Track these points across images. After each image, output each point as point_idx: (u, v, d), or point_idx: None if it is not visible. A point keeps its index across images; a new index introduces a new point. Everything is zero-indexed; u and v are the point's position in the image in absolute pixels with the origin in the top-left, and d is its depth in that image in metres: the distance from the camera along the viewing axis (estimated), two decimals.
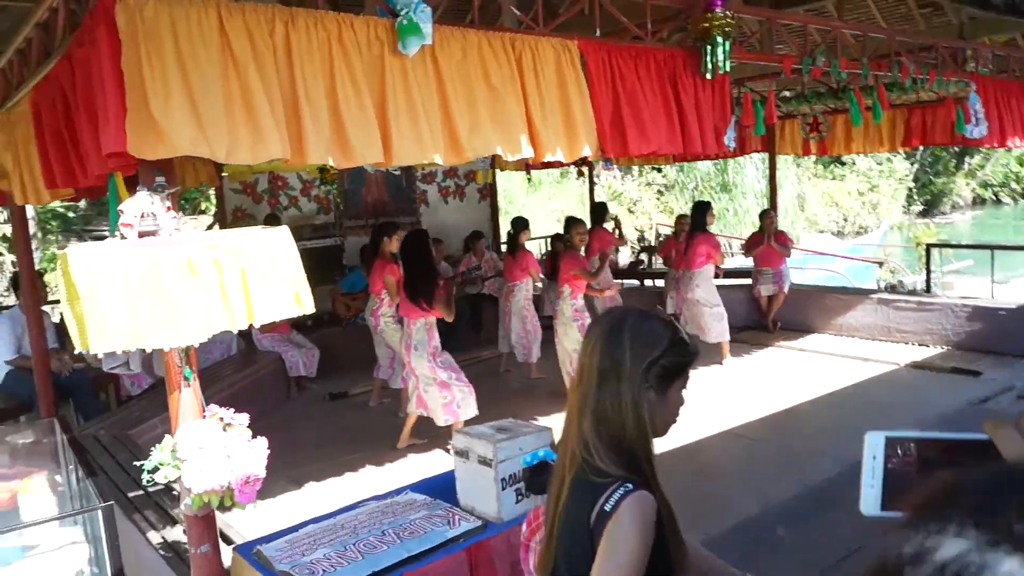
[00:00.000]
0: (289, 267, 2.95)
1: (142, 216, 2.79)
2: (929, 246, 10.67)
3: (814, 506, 5.10)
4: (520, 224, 8.42)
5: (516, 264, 8.23)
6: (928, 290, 10.09)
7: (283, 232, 2.95)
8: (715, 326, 8.40)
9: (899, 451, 0.80)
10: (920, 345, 8.83)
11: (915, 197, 28.60)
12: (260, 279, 2.86)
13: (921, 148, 25.55)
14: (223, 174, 9.04)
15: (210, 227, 13.07)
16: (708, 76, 4.62)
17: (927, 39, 6.69)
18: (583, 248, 7.25)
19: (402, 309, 6.15)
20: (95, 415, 6.46)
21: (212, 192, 9.64)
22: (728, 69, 4.61)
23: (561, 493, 1.66)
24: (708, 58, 4.54)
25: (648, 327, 1.67)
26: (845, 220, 25.18)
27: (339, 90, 3.15)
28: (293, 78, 3.06)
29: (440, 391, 5.99)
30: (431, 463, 5.98)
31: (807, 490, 5.34)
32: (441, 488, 3.60)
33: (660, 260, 11.34)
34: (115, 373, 6.99)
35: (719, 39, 4.48)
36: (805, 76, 5.43)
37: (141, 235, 2.81)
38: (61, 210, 14.97)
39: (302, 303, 2.98)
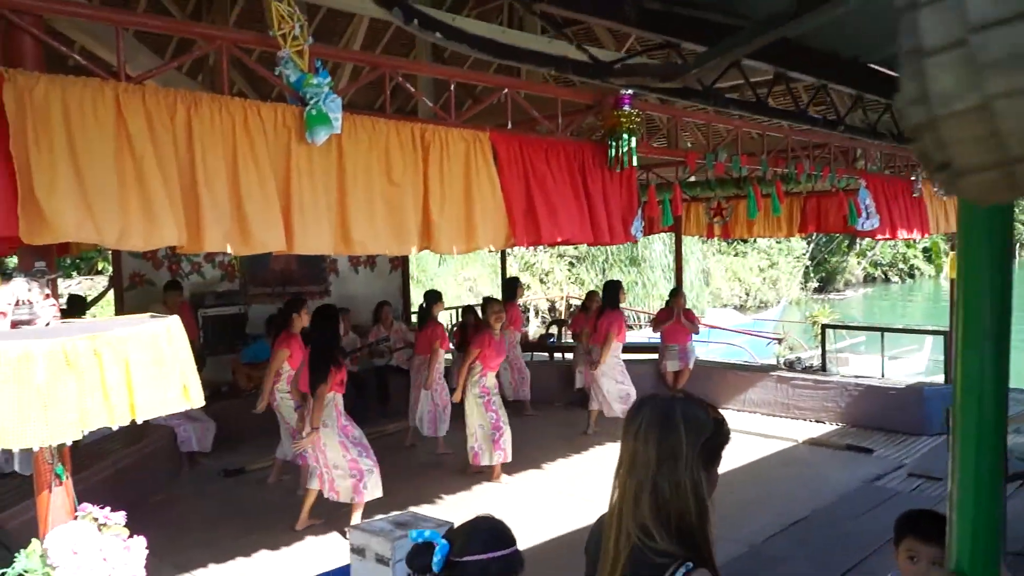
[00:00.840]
0: (178, 358, 2.80)
1: (17, 304, 2.61)
2: (824, 326, 11.13)
3: None
4: (433, 297, 8.37)
5: (426, 338, 8.14)
6: (824, 368, 10.48)
7: (173, 322, 2.81)
8: (616, 405, 8.51)
9: None
10: (817, 422, 9.14)
11: (811, 274, 30.06)
12: (146, 372, 2.69)
13: None
14: None
15: (104, 292, 12.47)
16: (617, 168, 4.74)
17: (821, 138, 7.09)
18: (498, 328, 7.24)
19: (302, 385, 5.96)
20: None
21: (110, 254, 9.25)
22: (635, 164, 4.74)
23: (615, 573, 1.73)
24: (615, 152, 4.67)
25: (696, 413, 1.77)
26: (747, 295, 26.17)
27: (241, 176, 3.06)
28: (193, 162, 2.95)
29: (348, 470, 5.80)
30: (328, 547, 5.73)
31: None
32: None
33: (570, 334, 11.45)
34: None
35: (625, 136, 4.62)
36: (709, 172, 5.65)
37: (14, 324, 2.62)
38: None
39: (191, 396, 2.83)
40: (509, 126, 4.44)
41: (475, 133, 4.09)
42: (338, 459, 5.80)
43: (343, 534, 5.83)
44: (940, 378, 10.07)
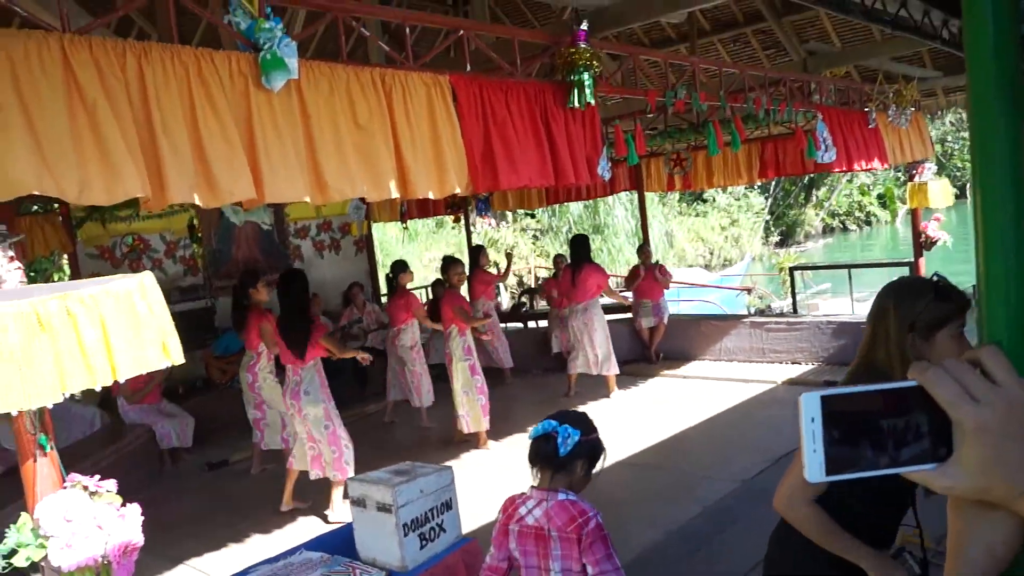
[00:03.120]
0: (154, 314, 2.71)
1: None
2: (792, 269, 11.27)
3: (713, 527, 5.15)
4: (399, 267, 8.21)
5: (399, 307, 8.05)
6: (795, 311, 10.62)
7: (145, 276, 2.72)
8: (604, 362, 8.43)
9: (836, 409, 0.75)
10: (793, 363, 9.25)
11: (772, 229, 30.41)
12: (123, 330, 2.60)
13: (774, 184, 27.28)
14: (77, 239, 8.48)
15: None
16: (577, 106, 4.70)
17: (775, 74, 7.14)
18: (463, 288, 7.20)
19: (284, 357, 5.80)
20: None
21: (65, 260, 9.01)
22: (593, 101, 4.70)
23: None
24: (575, 90, 4.63)
25: (912, 283, 2.27)
26: (711, 254, 26.41)
27: (201, 125, 2.96)
28: (149, 113, 2.85)
29: (328, 443, 5.70)
30: (320, 527, 5.66)
31: (704, 511, 5.40)
32: (338, 543, 3.38)
33: (543, 301, 11.43)
34: None
35: (584, 72, 4.59)
36: (669, 109, 5.64)
37: None
38: None
39: (170, 353, 2.74)
40: (468, 68, 4.37)
41: (435, 76, 4.02)
42: (322, 429, 5.68)
43: (325, 519, 5.78)
44: None
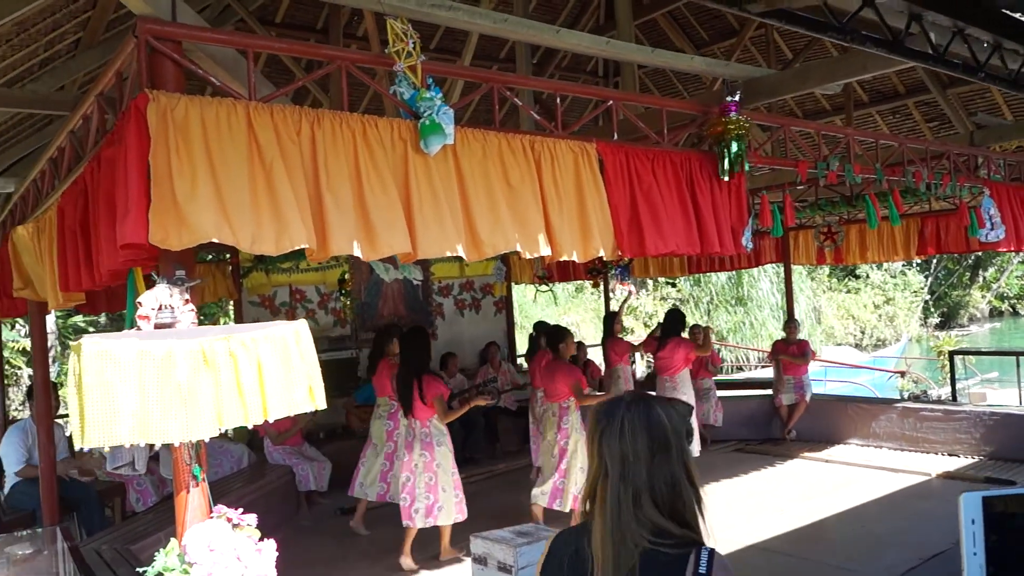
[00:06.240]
0: (304, 360, 2.89)
1: (159, 308, 2.76)
2: (952, 353, 10.51)
3: None
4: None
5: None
6: (954, 399, 9.86)
7: (300, 325, 2.91)
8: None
9: (999, 511, 0.70)
10: (949, 455, 8.54)
11: (931, 309, 28.50)
12: (276, 372, 2.79)
13: (935, 261, 25.68)
14: (242, 287, 9.16)
15: None
16: (725, 178, 4.67)
17: (938, 147, 6.80)
18: (568, 356, 6.81)
19: (411, 411, 5.91)
20: (99, 530, 6.25)
21: (231, 306, 9.75)
22: (745, 169, 4.66)
23: None
24: (725, 159, 4.61)
25: (671, 404, 1.79)
26: (862, 333, 25.00)
27: (364, 182, 3.20)
28: (317, 172, 3.10)
29: (450, 490, 5.78)
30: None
31: None
32: None
33: None
34: (121, 481, 6.82)
35: (734, 141, 4.56)
36: (821, 181, 5.49)
37: (157, 327, 2.77)
38: (82, 324, 15.08)
39: (315, 398, 2.90)
40: (615, 137, 4.45)
41: (582, 144, 4.14)
42: (448, 477, 5.77)
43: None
44: None
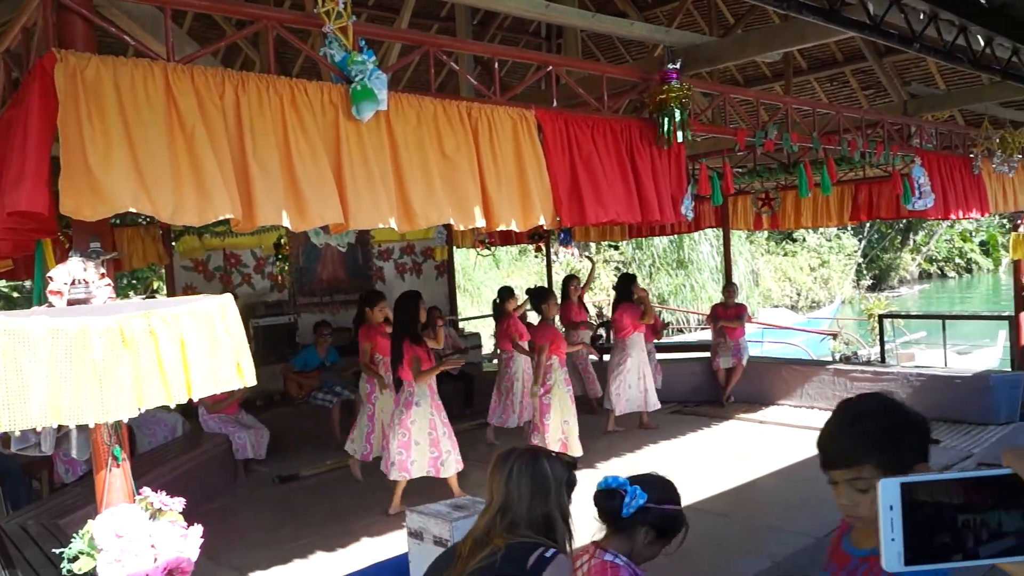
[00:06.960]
0: (231, 336, 2.78)
1: (73, 283, 2.61)
2: (881, 316, 10.83)
3: None
4: (505, 293, 8.49)
5: (504, 334, 8.19)
6: (883, 360, 10.19)
7: (226, 299, 2.79)
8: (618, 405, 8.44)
9: (918, 497, 0.69)
10: None
11: (864, 272, 29.34)
12: (200, 350, 2.67)
13: (868, 225, 26.40)
14: (174, 252, 8.87)
15: None
16: (665, 146, 4.65)
17: (873, 115, 6.90)
18: (554, 318, 7.35)
19: (398, 372, 6.22)
20: (26, 503, 6.06)
21: (163, 270, 9.45)
22: (685, 139, 4.64)
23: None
24: (665, 128, 4.58)
25: (556, 458, 2.32)
26: (798, 295, 25.64)
27: (293, 151, 3.06)
28: (242, 139, 2.95)
29: (424, 446, 6.06)
30: (388, 545, 5.67)
31: (775, 566, 5.17)
32: (387, 574, 3.37)
33: None
34: (49, 457, 6.61)
35: (676, 109, 4.53)
36: (758, 149, 5.52)
37: (71, 303, 2.62)
38: (5, 290, 14.48)
39: (244, 374, 2.80)
40: (554, 104, 4.37)
41: (521, 111, 4.05)
42: (422, 435, 6.03)
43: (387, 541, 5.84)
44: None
